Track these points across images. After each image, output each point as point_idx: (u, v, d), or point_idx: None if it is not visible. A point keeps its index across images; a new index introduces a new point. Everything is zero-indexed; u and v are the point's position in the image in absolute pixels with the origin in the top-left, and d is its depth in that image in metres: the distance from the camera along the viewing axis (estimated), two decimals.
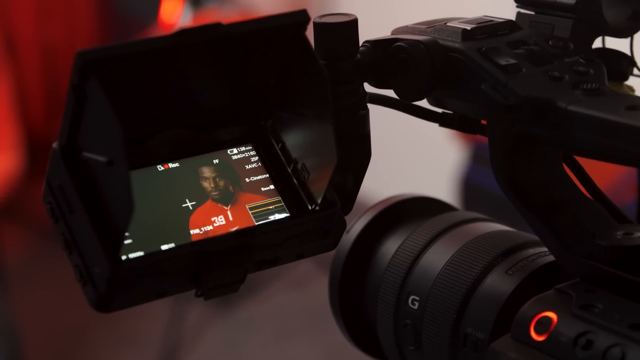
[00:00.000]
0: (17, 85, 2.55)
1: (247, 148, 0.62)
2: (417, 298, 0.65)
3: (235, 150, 0.62)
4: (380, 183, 3.05)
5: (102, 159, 0.54)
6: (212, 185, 0.60)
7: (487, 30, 0.62)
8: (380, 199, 0.72)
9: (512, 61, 0.60)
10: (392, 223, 0.70)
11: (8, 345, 2.11)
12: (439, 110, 0.66)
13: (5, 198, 2.21)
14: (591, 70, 0.60)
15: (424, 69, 0.61)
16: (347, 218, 0.71)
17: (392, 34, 0.65)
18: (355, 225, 0.71)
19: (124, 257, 0.56)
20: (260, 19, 0.58)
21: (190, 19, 2.59)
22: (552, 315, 0.56)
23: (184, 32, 0.55)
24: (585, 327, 0.54)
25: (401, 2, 2.85)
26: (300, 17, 0.58)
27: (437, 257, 0.66)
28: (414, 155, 2.82)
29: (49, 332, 2.53)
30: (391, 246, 0.69)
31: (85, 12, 3.07)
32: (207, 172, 0.61)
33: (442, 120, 0.66)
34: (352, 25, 0.61)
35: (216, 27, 0.56)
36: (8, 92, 2.31)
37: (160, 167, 0.60)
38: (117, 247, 0.54)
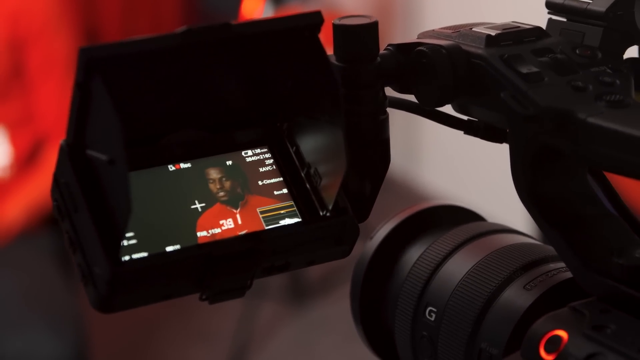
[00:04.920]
0: None
1: (262, 150, 0.61)
2: (434, 310, 0.64)
3: (250, 152, 0.61)
4: (463, 190, 3.02)
5: (104, 157, 0.54)
6: (218, 187, 0.59)
7: (512, 37, 0.60)
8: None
9: (535, 69, 0.58)
10: (416, 231, 0.69)
11: (77, 338, 2.13)
12: (464, 117, 0.64)
13: None
14: (617, 81, 0.58)
15: (445, 75, 0.60)
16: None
17: (418, 37, 0.63)
18: (379, 232, 0.70)
19: (127, 258, 0.55)
20: (273, 19, 0.57)
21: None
22: (563, 334, 0.54)
23: (191, 32, 0.54)
24: (595, 349, 0.52)
25: (487, 2, 2.81)
26: (314, 19, 0.57)
27: (457, 269, 0.64)
28: (497, 161, 2.79)
29: (120, 325, 2.56)
30: (413, 255, 0.67)
31: (170, 9, 3.10)
32: (213, 173, 0.60)
33: (466, 128, 0.64)
34: (372, 27, 0.60)
35: (226, 27, 0.55)
36: None
37: (171, 167, 0.59)
38: (117, 247, 0.54)
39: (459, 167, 3.05)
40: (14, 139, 2.21)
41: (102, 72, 0.53)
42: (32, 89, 2.21)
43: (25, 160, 2.22)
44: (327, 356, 2.56)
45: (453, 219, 0.69)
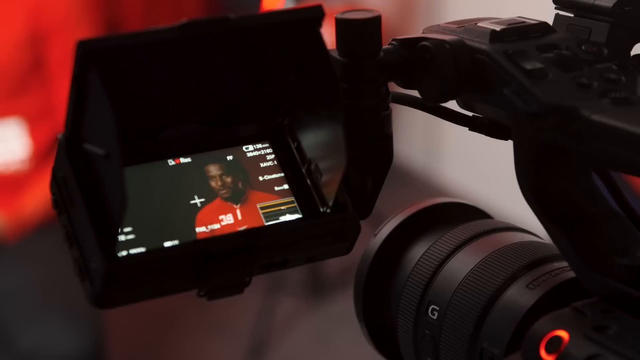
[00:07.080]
0: None
1: (263, 145, 0.61)
2: (437, 308, 0.63)
3: (251, 147, 0.60)
4: (484, 184, 3.00)
5: (100, 151, 0.53)
6: (220, 184, 0.59)
7: (517, 32, 0.59)
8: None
9: (539, 66, 0.57)
10: (420, 228, 0.68)
11: (94, 331, 2.13)
12: (469, 113, 0.63)
13: None
14: (623, 78, 0.57)
15: (449, 70, 0.59)
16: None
17: (423, 32, 0.63)
18: (384, 229, 0.69)
19: (124, 253, 0.55)
20: (273, 13, 0.56)
21: None
22: (563, 334, 0.53)
23: (190, 25, 0.54)
24: (596, 350, 0.51)
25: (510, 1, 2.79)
26: (315, 13, 0.56)
27: (460, 267, 0.63)
28: None
29: (138, 318, 2.57)
30: (417, 252, 0.66)
31: (192, 2, 3.09)
32: (213, 170, 0.59)
33: (471, 124, 0.63)
34: (374, 22, 0.59)
35: (224, 20, 0.54)
36: None
37: (171, 162, 0.59)
38: (113, 242, 0.53)
39: (479, 162, 3.03)
40: (34, 133, 2.22)
41: (98, 65, 0.52)
42: (52, 82, 2.21)
43: (44, 154, 2.23)
44: (345, 350, 2.55)
45: (458, 216, 0.68)
